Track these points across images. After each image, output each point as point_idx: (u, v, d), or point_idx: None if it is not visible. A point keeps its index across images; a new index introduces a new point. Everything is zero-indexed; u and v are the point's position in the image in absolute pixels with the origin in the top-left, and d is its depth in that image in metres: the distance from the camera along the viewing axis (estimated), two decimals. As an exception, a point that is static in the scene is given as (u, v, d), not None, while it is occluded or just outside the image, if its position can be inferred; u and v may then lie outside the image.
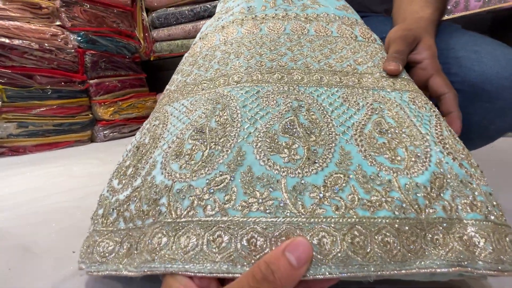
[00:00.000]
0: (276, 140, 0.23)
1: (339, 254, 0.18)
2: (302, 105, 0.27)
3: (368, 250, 0.18)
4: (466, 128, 0.41)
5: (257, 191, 0.20)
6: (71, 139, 1.29)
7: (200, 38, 0.46)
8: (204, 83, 0.33)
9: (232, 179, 0.21)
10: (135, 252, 0.22)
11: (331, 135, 0.24)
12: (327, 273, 0.17)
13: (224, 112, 0.27)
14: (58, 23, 1.23)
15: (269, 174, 0.21)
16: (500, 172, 0.75)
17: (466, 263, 0.19)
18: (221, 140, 0.24)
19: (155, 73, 1.73)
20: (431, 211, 0.20)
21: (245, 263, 0.18)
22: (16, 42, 1.09)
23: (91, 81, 1.36)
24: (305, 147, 0.23)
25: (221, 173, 0.21)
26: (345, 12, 0.45)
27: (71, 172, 0.82)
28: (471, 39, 0.40)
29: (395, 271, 0.18)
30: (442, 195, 0.21)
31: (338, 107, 0.27)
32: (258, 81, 0.30)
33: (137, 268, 0.20)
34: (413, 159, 0.23)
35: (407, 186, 0.21)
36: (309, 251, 0.17)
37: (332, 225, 0.19)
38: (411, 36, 0.35)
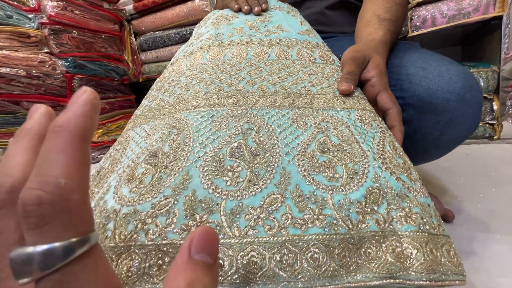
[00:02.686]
0: (222, 164, 0.25)
1: (266, 272, 0.19)
2: (252, 128, 0.29)
3: (296, 267, 0.19)
4: (421, 139, 0.43)
5: (197, 214, 0.21)
6: (58, 163, 1.28)
7: (171, 64, 0.48)
8: (166, 108, 0.34)
9: (175, 202, 0.22)
10: None
11: (275, 157, 0.25)
12: None
13: (178, 137, 0.28)
14: (46, 50, 1.26)
15: (211, 197, 0.22)
16: (471, 180, 0.77)
17: (398, 274, 0.20)
18: (170, 164, 0.25)
19: (144, 94, 1.75)
20: (363, 225, 0.21)
21: None
22: (3, 70, 1.11)
23: (79, 105, 1.38)
24: (248, 170, 0.24)
25: (165, 197, 0.22)
26: (307, 36, 0.48)
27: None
28: (421, 57, 0.43)
29: (324, 287, 0.18)
30: (376, 208, 0.22)
31: (287, 128, 0.29)
32: (215, 105, 0.32)
33: None
34: (350, 176, 0.24)
35: (340, 202, 0.22)
36: (216, 239, 0.14)
37: (263, 245, 0.20)
38: (360, 57, 0.38)
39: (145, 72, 1.71)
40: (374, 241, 0.21)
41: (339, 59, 0.42)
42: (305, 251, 0.19)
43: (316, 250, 0.20)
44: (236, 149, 0.26)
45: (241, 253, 0.19)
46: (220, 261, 0.19)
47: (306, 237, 0.20)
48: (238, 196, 0.22)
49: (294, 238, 0.20)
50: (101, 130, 1.43)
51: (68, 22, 1.34)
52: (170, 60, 1.83)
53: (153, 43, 1.63)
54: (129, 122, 0.38)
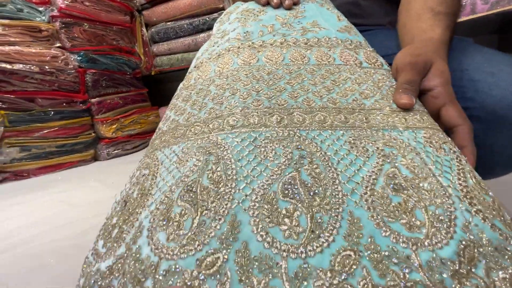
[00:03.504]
0: (276, 206, 0.20)
1: None
2: (304, 156, 0.24)
3: None
4: (487, 158, 0.37)
5: (254, 277, 0.17)
6: (74, 159, 1.28)
7: (195, 67, 0.43)
8: (197, 125, 0.30)
9: (225, 260, 0.18)
10: None
11: (337, 197, 0.21)
12: None
13: (218, 167, 0.24)
14: (58, 44, 1.23)
15: (268, 254, 0.18)
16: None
17: None
18: (213, 205, 0.21)
19: (157, 87, 1.72)
20: None
21: None
22: (16, 66, 1.09)
23: (93, 100, 1.36)
24: (308, 215, 0.20)
25: (212, 251, 0.19)
26: (347, 34, 0.42)
27: (72, 200, 0.81)
28: (485, 58, 0.37)
29: None
30: (474, 270, 0.18)
31: (345, 156, 0.24)
32: (255, 125, 0.28)
33: None
34: (435, 223, 0.19)
35: (430, 264, 0.18)
36: None
37: None
38: (421, 63, 0.32)
39: (157, 65, 1.67)
40: None
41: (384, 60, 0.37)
42: None
43: None
44: (290, 186, 0.22)
45: None
46: None
47: None
48: (301, 253, 0.18)
49: None
50: (114, 126, 1.42)
51: (79, 14, 1.30)
52: (182, 52, 1.79)
53: (164, 35, 1.58)
54: (154, 138, 0.34)
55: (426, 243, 0.18)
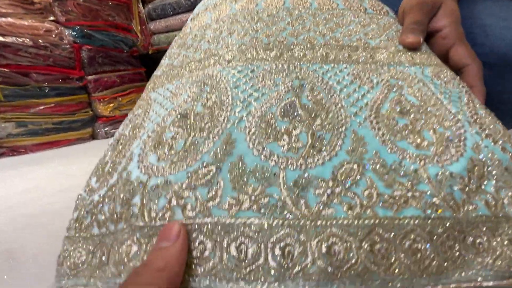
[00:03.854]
0: (274, 125, 0.19)
1: (355, 267, 0.14)
2: (304, 84, 0.23)
3: (392, 260, 0.14)
4: (498, 106, 0.36)
5: (249, 186, 0.16)
6: (72, 137, 1.27)
7: (191, 19, 0.41)
8: (192, 64, 0.29)
9: (218, 170, 0.17)
10: (106, 263, 0.18)
11: (340, 117, 0.20)
12: None
13: (212, 95, 0.23)
14: (51, 18, 1.19)
15: (265, 166, 0.17)
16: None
17: None
18: (207, 125, 0.20)
19: (154, 67, 1.68)
20: (470, 207, 0.16)
21: (232, 278, 0.14)
22: (9, 39, 1.06)
23: (89, 77, 1.33)
24: (309, 133, 0.19)
25: (205, 164, 0.18)
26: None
27: (69, 171, 0.80)
28: (497, 5, 0.35)
29: (428, 287, 0.14)
30: (483, 187, 0.17)
31: (348, 85, 0.23)
32: (253, 59, 0.26)
33: (105, 284, 0.17)
34: (443, 143, 0.18)
35: (439, 177, 0.17)
36: (174, 226, 0.16)
37: (345, 228, 0.15)
38: (429, 3, 0.30)
39: (155, 43, 1.63)
40: (485, 229, 0.16)
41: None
42: (402, 239, 0.15)
43: (417, 238, 0.15)
44: (289, 108, 0.20)
45: (317, 238, 0.14)
46: (289, 248, 0.14)
47: (401, 221, 0.15)
48: (301, 165, 0.17)
49: (386, 221, 0.15)
50: (112, 105, 1.40)
51: (72, -14, 1.26)
52: (180, 31, 1.76)
53: (162, 11, 1.54)
54: (148, 84, 0.33)
55: (435, 160, 0.17)
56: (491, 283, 0.14)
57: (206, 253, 0.15)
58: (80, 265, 0.20)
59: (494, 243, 0.15)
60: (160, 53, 1.72)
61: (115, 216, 0.19)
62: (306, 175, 0.17)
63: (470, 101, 0.22)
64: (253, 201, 0.16)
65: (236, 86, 0.23)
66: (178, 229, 0.16)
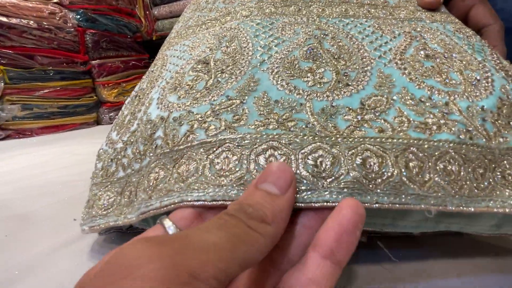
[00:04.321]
0: (297, 66, 0.19)
1: (390, 179, 0.14)
2: (326, 34, 0.22)
3: (427, 179, 0.14)
4: None
5: (275, 113, 0.16)
6: (77, 122, 1.27)
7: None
8: (209, 22, 0.28)
9: (243, 101, 0.17)
10: (135, 199, 0.18)
11: (364, 59, 0.19)
12: (374, 202, 0.13)
13: (232, 43, 0.22)
14: (55, 0, 1.18)
15: (290, 98, 0.17)
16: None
17: None
18: (228, 68, 0.20)
19: (158, 54, 1.68)
20: (501, 140, 0.16)
21: None
22: (14, 20, 1.05)
23: (94, 62, 1.33)
24: (334, 71, 0.18)
25: (229, 97, 0.17)
26: None
27: (75, 151, 0.80)
28: None
29: (461, 208, 0.13)
30: (511, 124, 0.17)
31: (370, 34, 0.23)
32: (271, 13, 0.26)
33: (136, 211, 0.17)
34: (472, 82, 0.18)
35: (470, 109, 0.17)
36: (288, 172, 0.13)
37: (379, 145, 0.14)
38: None
39: (159, 29, 1.62)
40: None
41: None
42: (437, 159, 0.14)
43: (451, 160, 0.14)
44: (312, 51, 0.20)
45: (351, 151, 0.14)
46: (322, 159, 0.14)
47: (436, 143, 0.15)
48: (327, 96, 0.17)
49: (420, 142, 0.15)
50: (116, 90, 1.39)
51: (76, -31, 1.24)
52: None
53: (166, -4, 1.52)
54: (163, 46, 0.32)
55: (464, 96, 0.17)
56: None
57: (231, 165, 0.14)
58: (109, 207, 0.20)
59: (523, 175, 0.15)
60: (163, 39, 1.71)
61: (139, 154, 0.19)
62: (334, 104, 0.17)
63: (493, 53, 0.22)
64: (280, 123, 0.16)
65: (256, 35, 0.23)
66: (292, 175, 0.13)
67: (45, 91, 1.15)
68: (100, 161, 0.25)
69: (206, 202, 0.14)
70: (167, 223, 0.13)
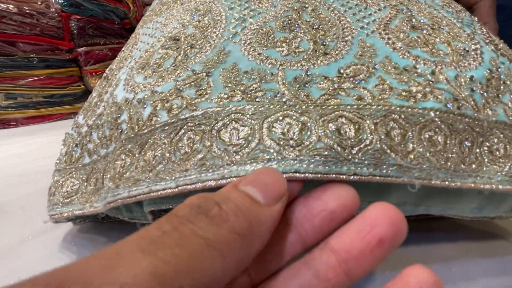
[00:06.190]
0: (272, 36, 0.17)
1: (369, 147, 0.12)
2: (306, 6, 0.21)
3: (409, 149, 0.13)
4: None
5: (243, 83, 0.15)
6: (64, 111, 1.24)
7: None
8: (183, -2, 0.26)
9: (209, 74, 0.16)
10: (101, 186, 0.17)
11: (346, 30, 0.18)
12: (351, 173, 0.12)
13: (205, 17, 0.21)
14: (36, -17, 1.12)
15: (261, 68, 0.16)
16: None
17: None
18: (198, 42, 0.18)
19: (148, 41, 1.63)
20: (490, 112, 0.15)
21: (224, 165, 0.13)
22: (-8, 5, 1.00)
23: (80, 50, 1.28)
24: (311, 40, 0.17)
25: (194, 72, 0.16)
26: None
27: (60, 141, 0.79)
28: None
29: (446, 182, 0.12)
30: (500, 97, 0.16)
31: (353, 7, 0.21)
32: (248, -13, 0.24)
33: (103, 200, 0.16)
34: (461, 53, 0.17)
35: (458, 78, 0.15)
36: (281, 182, 0.11)
37: (356, 111, 0.13)
38: None
39: (148, 15, 1.57)
40: (502, 136, 0.14)
41: None
42: (421, 128, 0.13)
43: (437, 129, 0.13)
44: (289, 21, 0.18)
45: (323, 118, 0.13)
46: (289, 127, 0.13)
47: (421, 110, 0.14)
48: (302, 65, 0.15)
49: (403, 109, 0.14)
50: (105, 79, 1.36)
51: (57, -50, 1.18)
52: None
53: (154, -20, 1.46)
54: (138, 25, 0.31)
55: (452, 66, 0.16)
56: (507, 186, 0.13)
57: (195, 146, 0.13)
58: (73, 194, 0.19)
59: (511, 151, 0.14)
60: (153, 26, 1.66)
61: (105, 139, 0.18)
62: (308, 73, 0.15)
63: (482, 27, 0.21)
64: (246, 93, 0.14)
65: (231, 8, 0.21)
66: (284, 187, 0.11)
67: (29, 79, 1.11)
68: (65, 146, 0.23)
69: (172, 190, 0.13)
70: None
